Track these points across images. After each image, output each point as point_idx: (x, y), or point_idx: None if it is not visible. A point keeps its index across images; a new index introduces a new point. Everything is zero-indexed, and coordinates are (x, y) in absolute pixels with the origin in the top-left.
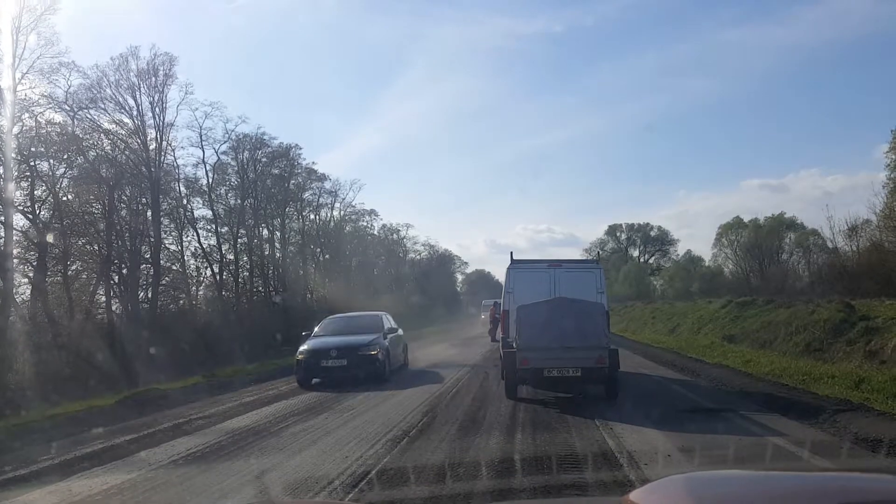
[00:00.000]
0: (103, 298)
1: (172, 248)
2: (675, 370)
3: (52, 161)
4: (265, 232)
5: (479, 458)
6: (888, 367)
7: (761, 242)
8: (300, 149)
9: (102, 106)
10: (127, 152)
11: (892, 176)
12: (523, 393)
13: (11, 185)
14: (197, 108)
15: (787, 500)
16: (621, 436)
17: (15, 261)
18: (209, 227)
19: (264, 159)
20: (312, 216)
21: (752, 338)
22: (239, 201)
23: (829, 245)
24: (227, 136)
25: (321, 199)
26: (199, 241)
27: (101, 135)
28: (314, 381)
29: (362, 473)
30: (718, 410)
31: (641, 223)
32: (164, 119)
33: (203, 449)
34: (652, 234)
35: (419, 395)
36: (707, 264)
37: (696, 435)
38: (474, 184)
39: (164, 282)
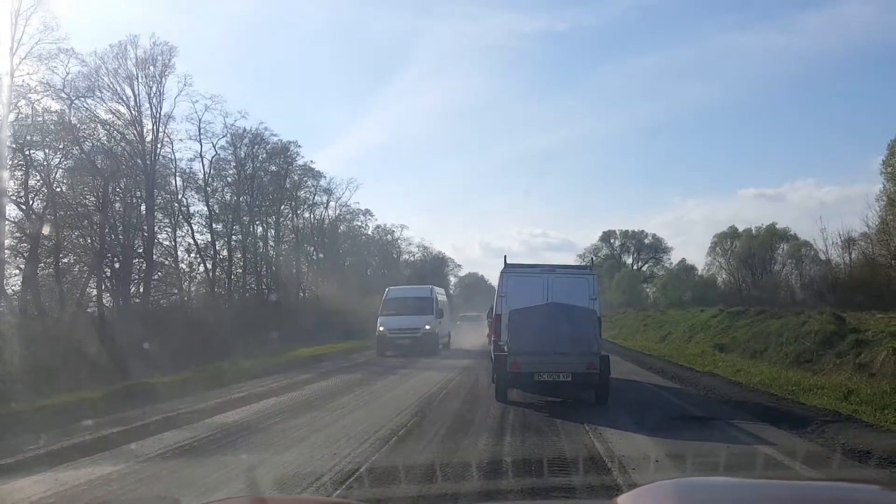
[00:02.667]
0: (95, 292)
1: (166, 243)
2: (666, 378)
3: (47, 150)
4: (259, 229)
5: (468, 460)
6: (877, 380)
7: (755, 252)
8: (298, 146)
9: (100, 95)
10: (123, 143)
11: (887, 190)
12: (513, 396)
13: (6, 174)
14: (197, 101)
15: None
16: (610, 441)
17: (7, 252)
18: (203, 223)
19: (262, 155)
20: (307, 214)
21: (742, 347)
22: (234, 197)
23: (822, 257)
24: (226, 130)
25: (316, 198)
26: (194, 237)
27: (98, 125)
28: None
29: (351, 471)
30: (708, 419)
31: (636, 230)
32: (161, 110)
33: (192, 442)
34: (646, 241)
35: (409, 395)
36: (700, 273)
37: (686, 442)
38: (471, 185)
39: (156, 277)
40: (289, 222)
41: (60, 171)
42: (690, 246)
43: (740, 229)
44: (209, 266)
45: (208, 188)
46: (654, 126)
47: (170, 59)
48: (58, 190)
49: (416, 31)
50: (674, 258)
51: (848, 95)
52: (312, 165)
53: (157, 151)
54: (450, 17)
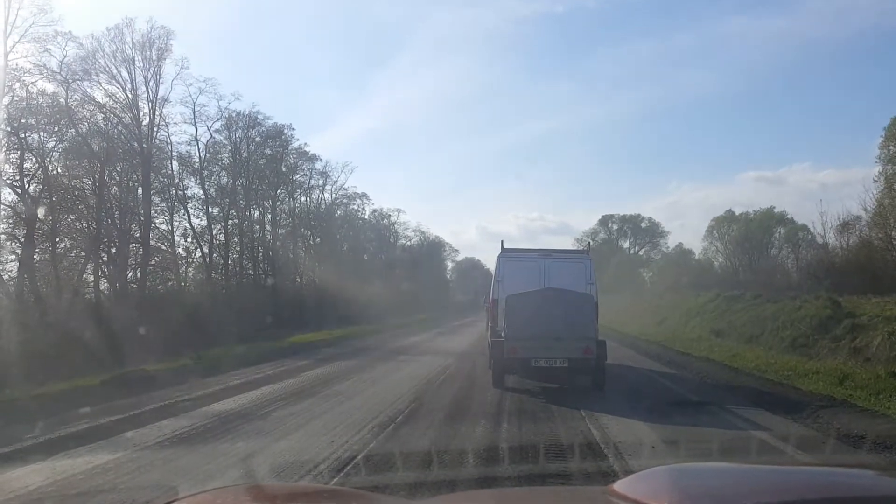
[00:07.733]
0: (91, 277)
1: (163, 227)
2: (662, 363)
3: (42, 133)
4: (256, 214)
5: (465, 446)
6: (872, 365)
7: (752, 236)
8: (293, 129)
9: (96, 77)
10: (119, 126)
11: (884, 171)
12: (510, 382)
13: (0, 157)
14: (191, 84)
15: (770, 494)
16: (607, 427)
17: (2, 236)
18: (200, 207)
19: (258, 139)
20: (304, 198)
21: (739, 332)
22: (230, 181)
23: (820, 240)
24: (220, 113)
25: (312, 182)
26: (190, 221)
27: (94, 107)
28: None
29: (348, 458)
30: (704, 404)
31: (633, 214)
32: (157, 93)
33: (190, 430)
34: (643, 225)
35: (407, 382)
36: (697, 257)
37: (681, 428)
38: (468, 170)
39: (153, 262)
40: (285, 206)
41: (56, 153)
42: (687, 230)
43: (738, 213)
44: (206, 251)
45: (204, 171)
46: (652, 110)
47: (167, 42)
48: (53, 173)
49: (413, 16)
50: (671, 242)
51: (847, 79)
52: (307, 149)
53: (154, 135)
54: (448, 1)
